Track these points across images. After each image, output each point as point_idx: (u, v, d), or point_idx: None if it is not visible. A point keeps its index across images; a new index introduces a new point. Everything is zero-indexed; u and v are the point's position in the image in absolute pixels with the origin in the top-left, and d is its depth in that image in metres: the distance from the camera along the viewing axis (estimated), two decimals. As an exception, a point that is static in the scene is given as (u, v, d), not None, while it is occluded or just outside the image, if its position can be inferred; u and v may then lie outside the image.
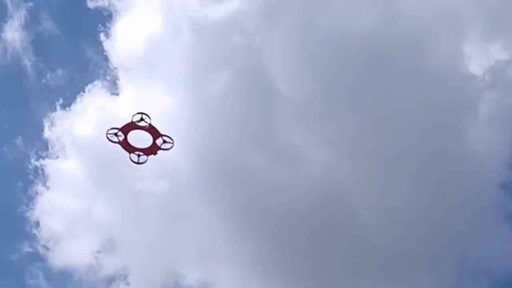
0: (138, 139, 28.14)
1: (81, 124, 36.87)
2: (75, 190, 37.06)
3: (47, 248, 36.12)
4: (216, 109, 35.96)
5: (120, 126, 27.82)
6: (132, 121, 27.55)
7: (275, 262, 36.11)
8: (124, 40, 37.87)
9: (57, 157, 37.06)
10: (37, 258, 36.27)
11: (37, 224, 36.32)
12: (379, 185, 36.02)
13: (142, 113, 27.52)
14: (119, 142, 27.67)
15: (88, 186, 36.98)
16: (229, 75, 36.23)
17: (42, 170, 36.90)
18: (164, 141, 27.89)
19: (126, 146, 27.76)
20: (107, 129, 27.67)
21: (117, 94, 37.61)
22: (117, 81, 37.69)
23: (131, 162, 28.12)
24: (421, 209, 35.68)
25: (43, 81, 38.59)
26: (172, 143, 27.88)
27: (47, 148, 37.14)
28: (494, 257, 35.99)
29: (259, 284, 36.33)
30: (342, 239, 35.63)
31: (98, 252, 36.49)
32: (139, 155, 27.93)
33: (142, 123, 27.61)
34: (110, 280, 36.34)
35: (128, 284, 36.37)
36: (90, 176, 36.78)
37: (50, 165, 36.98)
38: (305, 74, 36.54)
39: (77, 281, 36.36)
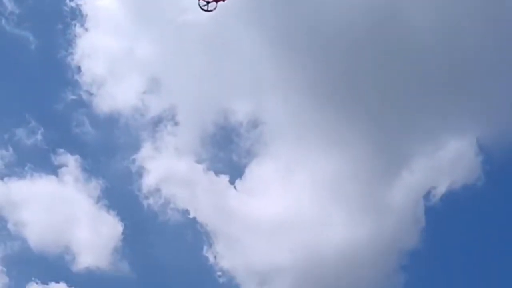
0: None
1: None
2: (115, 29, 34.66)
3: (91, 94, 34.32)
4: None
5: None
6: (201, -33, 24.64)
7: (326, 89, 34.74)
8: None
9: (93, -5, 34.13)
10: (82, 104, 34.53)
11: (79, 69, 34.24)
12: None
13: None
14: (188, -11, 25.04)
15: (128, 23, 34.61)
16: None
17: (80, 10, 34.32)
18: (234, -14, 25.25)
19: (196, -8, 25.12)
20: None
21: None
22: None
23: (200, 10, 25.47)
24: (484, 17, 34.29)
25: None
26: (242, -13, 25.33)
27: (82, -15, 34.02)
28: None
29: (311, 113, 35.07)
30: (398, 59, 34.12)
31: (144, 93, 34.69)
32: (208, 2, 25.26)
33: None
34: (158, 121, 34.84)
35: (176, 124, 34.88)
36: (130, 13, 34.43)
37: (87, 4, 34.40)
38: None
39: (124, 125, 34.87)
